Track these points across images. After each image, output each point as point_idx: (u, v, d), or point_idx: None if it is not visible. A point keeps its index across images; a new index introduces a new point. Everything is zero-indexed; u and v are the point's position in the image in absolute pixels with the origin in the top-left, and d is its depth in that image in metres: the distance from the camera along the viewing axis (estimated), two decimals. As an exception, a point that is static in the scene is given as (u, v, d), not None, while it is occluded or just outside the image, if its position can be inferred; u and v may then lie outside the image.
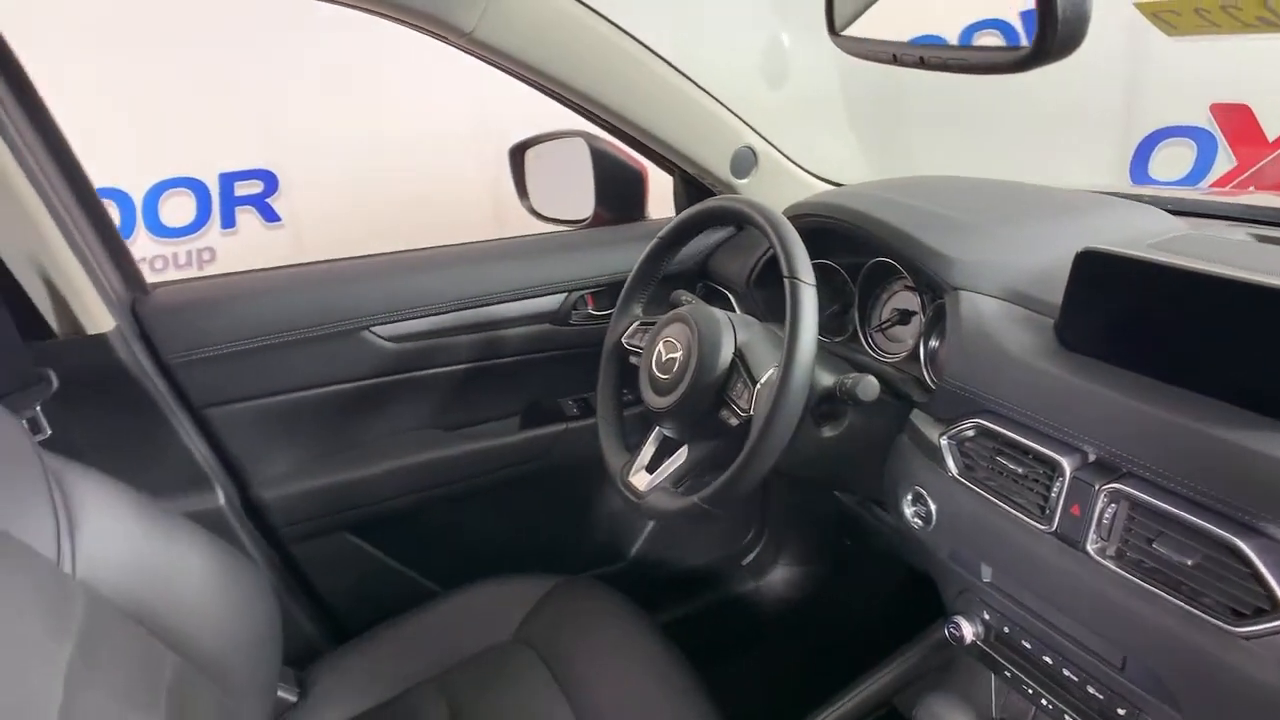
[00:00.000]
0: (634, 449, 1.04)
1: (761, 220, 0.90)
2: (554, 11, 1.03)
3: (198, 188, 2.36)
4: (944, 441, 0.86)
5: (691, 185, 1.31)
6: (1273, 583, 0.59)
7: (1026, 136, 1.79)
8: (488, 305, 1.27)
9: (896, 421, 0.96)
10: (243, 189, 2.40)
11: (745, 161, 1.26)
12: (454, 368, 1.29)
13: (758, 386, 0.88)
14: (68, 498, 0.89)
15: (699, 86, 1.18)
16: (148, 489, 0.98)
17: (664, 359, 0.96)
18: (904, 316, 1.08)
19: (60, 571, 0.85)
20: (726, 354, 0.91)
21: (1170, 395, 0.69)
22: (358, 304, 1.20)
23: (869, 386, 0.86)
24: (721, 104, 1.21)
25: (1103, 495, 0.70)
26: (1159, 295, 0.70)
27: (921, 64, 0.60)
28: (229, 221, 2.40)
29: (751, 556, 1.67)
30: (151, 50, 2.04)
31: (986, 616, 0.86)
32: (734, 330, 0.93)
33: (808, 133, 1.33)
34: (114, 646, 0.85)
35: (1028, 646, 0.81)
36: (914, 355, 1.02)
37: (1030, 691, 0.83)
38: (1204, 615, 0.63)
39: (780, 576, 1.65)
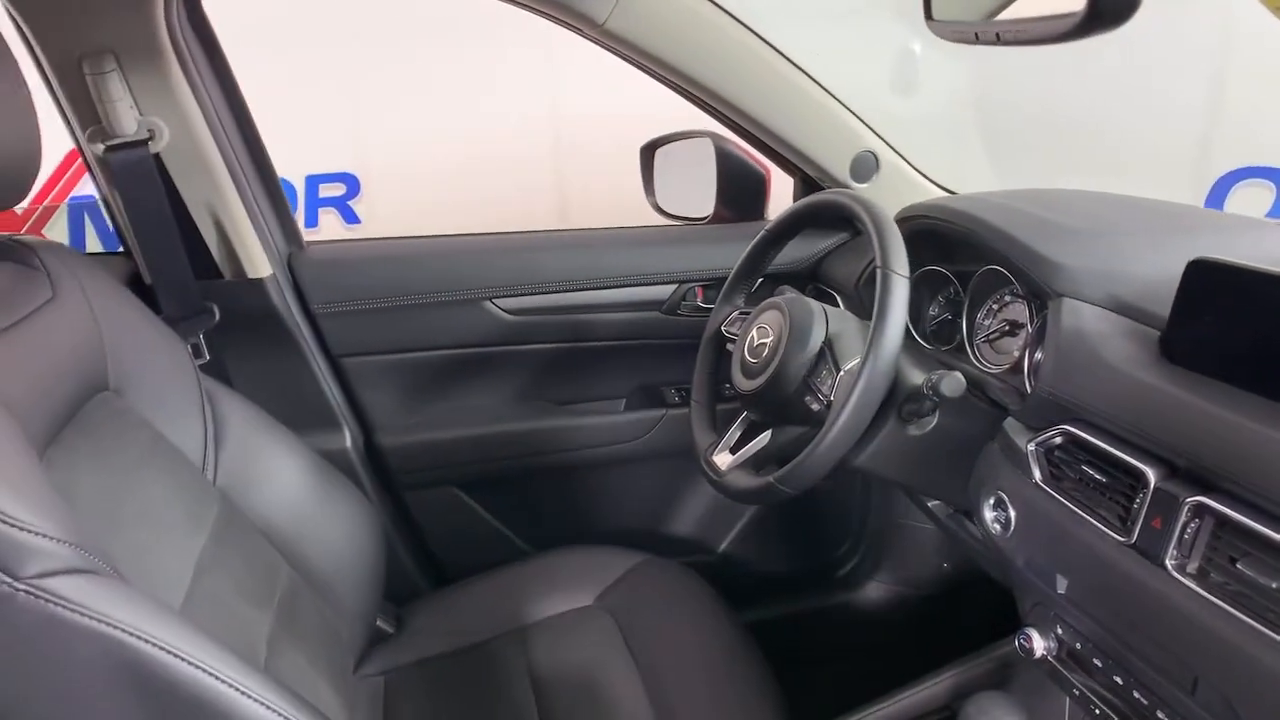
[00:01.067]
0: (722, 432, 1.07)
1: (862, 212, 0.92)
2: (684, 7, 1.08)
3: (286, 188, 2.58)
4: (1030, 448, 0.84)
5: (811, 188, 1.33)
6: None
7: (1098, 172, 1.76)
8: (602, 289, 1.33)
9: (988, 428, 0.94)
10: (326, 191, 2.57)
11: (866, 165, 1.26)
12: (566, 344, 1.36)
13: (841, 373, 0.90)
14: (217, 416, 1.01)
15: (823, 88, 1.20)
16: (284, 422, 1.10)
17: (755, 344, 0.99)
18: (1013, 328, 1.06)
19: (204, 477, 0.97)
20: (815, 341, 0.93)
21: (1277, 412, 0.65)
22: (483, 276, 1.29)
23: (953, 382, 0.85)
24: (845, 107, 1.22)
25: (1187, 509, 0.67)
26: (1272, 308, 0.67)
27: (998, 40, 0.61)
28: (312, 221, 2.58)
29: (846, 569, 1.65)
30: (250, 52, 2.24)
31: (1059, 631, 0.83)
32: (826, 321, 0.95)
33: (934, 142, 1.32)
34: (239, 548, 0.96)
35: (1099, 665, 0.78)
36: (1018, 367, 1.00)
37: (1098, 713, 0.79)
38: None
39: (873, 593, 1.61)
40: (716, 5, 1.10)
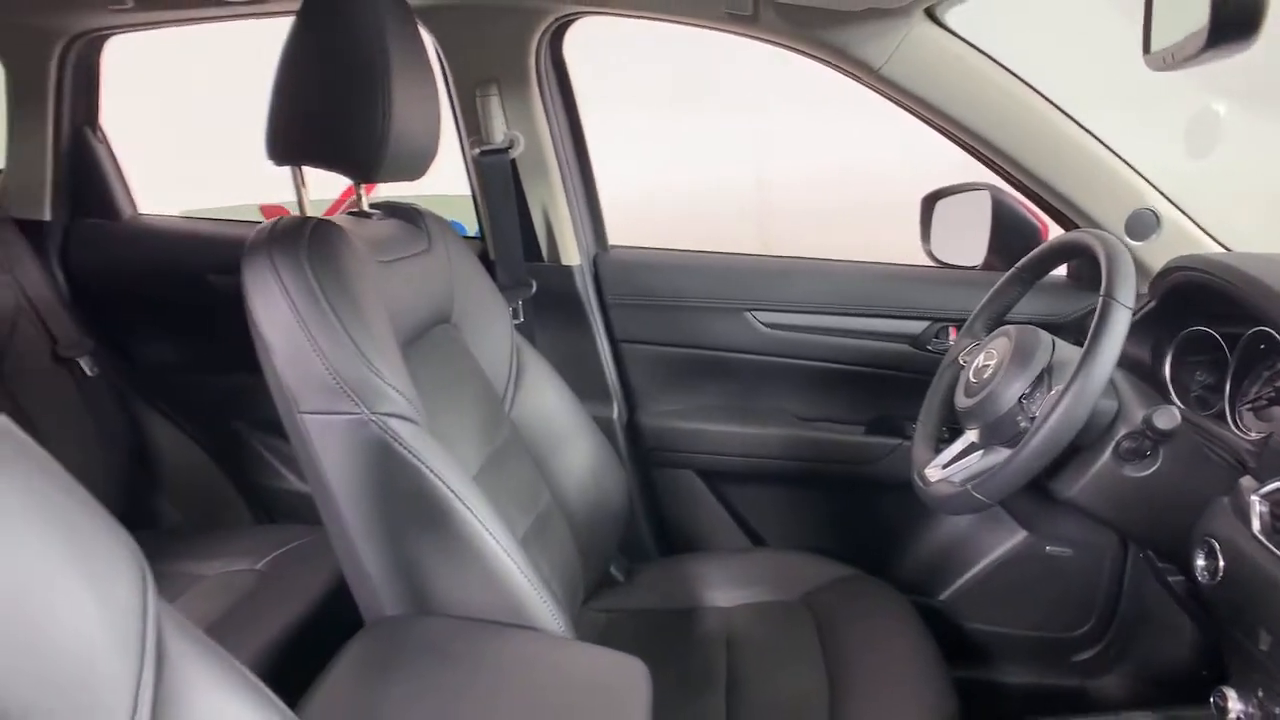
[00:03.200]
0: (941, 450, 1.13)
1: (1098, 245, 0.94)
2: (957, 57, 1.18)
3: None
4: (1254, 498, 0.81)
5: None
6: None
7: None
8: (855, 315, 1.44)
9: (1219, 484, 0.90)
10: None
11: (1145, 223, 1.24)
12: (815, 363, 1.48)
13: (1050, 394, 0.93)
14: (520, 364, 1.28)
15: (1101, 142, 1.21)
16: (569, 384, 1.34)
17: (980, 366, 1.04)
18: None
19: (502, 406, 1.24)
20: (1036, 365, 0.97)
21: None
22: (749, 290, 1.46)
23: (1166, 415, 0.85)
24: (1125, 162, 1.22)
25: None
26: None
27: (1174, 61, 0.64)
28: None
29: (1086, 654, 1.54)
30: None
31: (1260, 694, 0.78)
32: (1052, 350, 0.98)
33: (1230, 207, 1.25)
34: (515, 465, 1.21)
35: None
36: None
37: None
38: None
39: (1111, 687, 1.49)
40: (988, 57, 1.18)
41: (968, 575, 1.52)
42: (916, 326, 1.43)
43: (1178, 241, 1.24)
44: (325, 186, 1.09)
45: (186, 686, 0.53)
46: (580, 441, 1.32)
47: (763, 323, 1.47)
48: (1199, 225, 1.24)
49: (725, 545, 1.45)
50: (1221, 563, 0.83)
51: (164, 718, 0.51)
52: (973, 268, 1.48)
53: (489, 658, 0.85)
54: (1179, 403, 1.15)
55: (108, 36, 1.57)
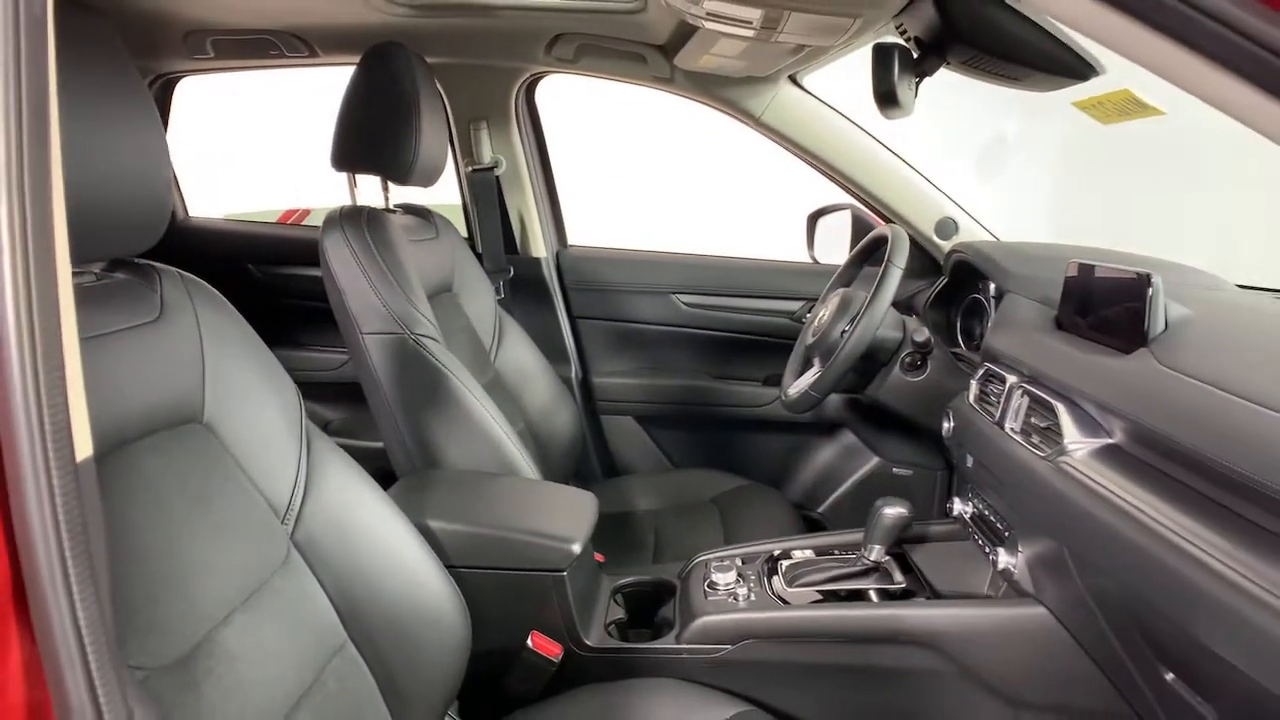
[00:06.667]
0: (800, 375, 1.61)
1: (887, 232, 1.45)
2: (814, 110, 1.70)
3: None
4: (972, 382, 1.31)
5: (914, 244, 1.84)
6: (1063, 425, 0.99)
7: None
8: (751, 298, 1.94)
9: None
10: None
11: (947, 228, 1.76)
12: (722, 333, 1.97)
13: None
14: (501, 329, 1.73)
15: (914, 169, 1.73)
16: (538, 348, 1.80)
17: (820, 315, 1.54)
18: None
19: (488, 355, 1.69)
20: (852, 311, 1.46)
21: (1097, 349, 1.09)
22: (672, 279, 1.95)
23: (919, 332, 1.35)
24: (931, 184, 1.74)
25: (1016, 392, 1.13)
26: (1102, 293, 1.12)
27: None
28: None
29: None
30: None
31: (970, 496, 1.27)
32: (865, 302, 1.48)
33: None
34: (499, 397, 1.64)
35: (997, 526, 1.21)
36: None
37: (986, 553, 1.21)
38: (1036, 453, 1.03)
39: None
40: (835, 110, 1.69)
41: (838, 491, 2.00)
42: (793, 305, 1.93)
43: (972, 238, 1.76)
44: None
45: (324, 460, 0.98)
46: (545, 388, 1.78)
47: (683, 303, 1.96)
48: (982, 225, 1.76)
49: (657, 470, 1.90)
50: (952, 423, 1.32)
51: (314, 473, 0.96)
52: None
53: (487, 485, 1.30)
54: (964, 347, 1.66)
55: (184, 77, 2.01)
